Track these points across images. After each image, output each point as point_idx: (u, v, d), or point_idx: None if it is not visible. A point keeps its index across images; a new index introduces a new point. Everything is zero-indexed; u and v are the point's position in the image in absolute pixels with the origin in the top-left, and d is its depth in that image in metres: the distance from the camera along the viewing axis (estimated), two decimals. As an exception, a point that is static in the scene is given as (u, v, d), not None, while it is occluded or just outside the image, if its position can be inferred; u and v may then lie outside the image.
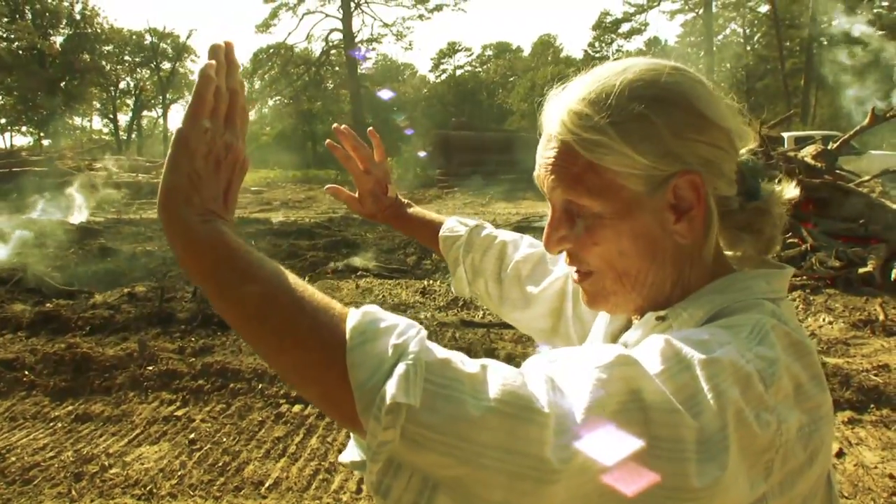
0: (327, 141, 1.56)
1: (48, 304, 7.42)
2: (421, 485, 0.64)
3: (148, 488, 3.73)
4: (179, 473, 3.90)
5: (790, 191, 0.95)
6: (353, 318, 0.70)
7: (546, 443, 0.63)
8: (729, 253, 0.97)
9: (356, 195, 1.57)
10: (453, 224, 1.54)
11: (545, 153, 0.91)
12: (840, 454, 3.96)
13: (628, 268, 0.89)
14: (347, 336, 0.68)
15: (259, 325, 0.74)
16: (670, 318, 0.89)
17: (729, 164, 0.89)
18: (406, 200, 1.63)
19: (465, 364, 0.68)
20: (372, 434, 0.63)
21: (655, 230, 0.87)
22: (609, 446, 0.65)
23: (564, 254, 0.95)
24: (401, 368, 0.64)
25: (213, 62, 0.85)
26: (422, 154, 34.09)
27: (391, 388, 0.63)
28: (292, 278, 0.76)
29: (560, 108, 0.89)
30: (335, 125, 1.51)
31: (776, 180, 0.95)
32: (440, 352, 0.69)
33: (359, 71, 50.34)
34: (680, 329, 0.85)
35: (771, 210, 0.93)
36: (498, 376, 0.67)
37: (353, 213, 1.81)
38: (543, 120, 0.93)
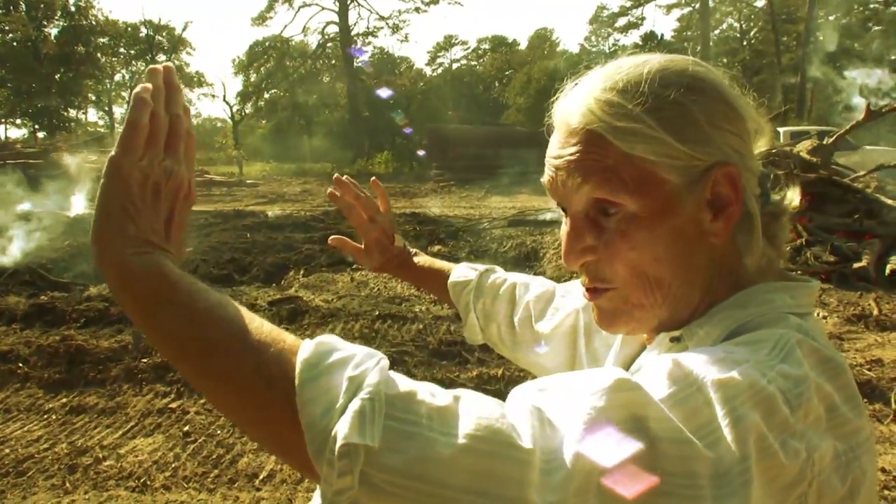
0: (329, 190, 1.47)
1: (42, 297, 7.39)
2: None
3: (142, 480, 3.73)
4: (174, 466, 3.89)
5: (795, 197, 0.89)
6: (304, 350, 0.65)
7: (529, 484, 0.56)
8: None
9: (362, 246, 1.51)
10: (463, 270, 1.47)
11: (563, 151, 0.81)
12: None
13: (662, 276, 0.80)
14: (297, 370, 0.62)
15: (199, 364, 0.68)
16: (685, 339, 0.81)
17: (753, 159, 0.83)
18: (413, 250, 1.56)
19: (435, 396, 0.62)
20: (326, 481, 0.57)
21: (692, 231, 0.79)
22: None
23: (582, 275, 0.86)
24: (355, 404, 0.58)
25: (149, 85, 0.80)
26: (420, 153, 34.10)
27: (343, 427, 0.57)
28: (237, 311, 0.70)
29: (583, 100, 0.81)
30: (336, 175, 1.46)
31: (779, 186, 0.89)
32: (405, 383, 0.63)
33: (355, 64, 50.22)
34: (695, 349, 0.77)
35: (781, 217, 0.87)
36: (472, 409, 0.61)
37: None
38: (558, 116, 0.84)
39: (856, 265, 7.80)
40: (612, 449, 0.58)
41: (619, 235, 0.79)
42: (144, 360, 5.28)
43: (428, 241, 10.95)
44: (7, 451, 4.08)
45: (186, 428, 4.35)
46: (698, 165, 0.78)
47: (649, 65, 0.81)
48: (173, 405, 4.72)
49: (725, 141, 0.79)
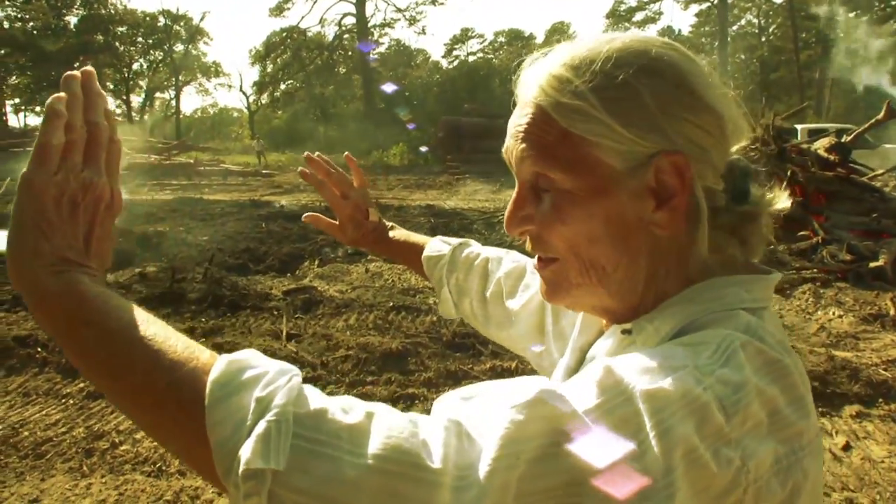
0: (300, 169, 1.47)
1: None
2: None
3: (157, 466, 3.77)
4: (189, 452, 3.93)
5: (782, 201, 0.84)
6: (216, 369, 0.63)
7: (438, 503, 0.56)
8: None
9: (337, 223, 1.50)
10: (437, 244, 1.47)
11: (517, 120, 0.82)
12: (847, 448, 3.96)
13: (597, 257, 0.79)
14: (207, 390, 0.61)
15: (113, 384, 0.67)
16: (635, 332, 0.80)
17: (719, 153, 0.79)
18: (390, 224, 1.55)
19: (348, 413, 0.61)
20: (233, 501, 0.57)
21: (632, 217, 0.77)
22: (525, 498, 0.57)
23: (528, 240, 0.86)
24: (261, 427, 0.57)
25: (63, 95, 0.76)
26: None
27: (246, 451, 0.56)
28: (152, 328, 0.69)
29: (539, 73, 0.80)
30: (306, 153, 1.45)
31: (767, 186, 0.84)
32: (317, 401, 0.61)
33: (370, 55, 50.22)
34: (643, 345, 0.77)
35: (758, 218, 0.82)
36: (383, 427, 0.60)
37: None
38: (518, 85, 0.84)
39: (872, 264, 7.73)
40: (528, 465, 0.57)
41: (552, 209, 0.79)
42: (161, 347, 5.31)
43: (442, 234, 10.95)
44: (26, 433, 4.14)
45: (202, 415, 4.38)
46: (641, 151, 0.75)
47: (614, 43, 0.78)
48: (189, 392, 4.76)
49: (679, 129, 0.75)
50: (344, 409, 0.61)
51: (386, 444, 0.58)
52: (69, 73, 0.79)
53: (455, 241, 1.47)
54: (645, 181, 0.76)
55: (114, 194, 0.82)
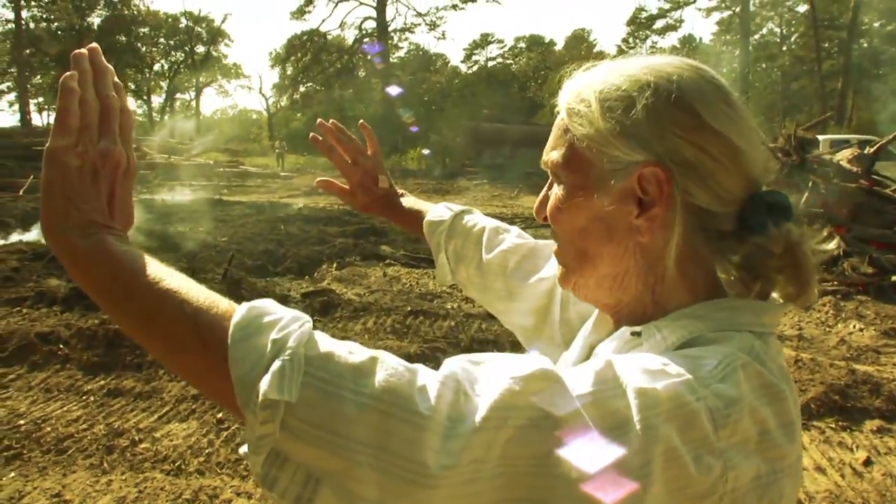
0: (311, 135, 1.51)
1: (82, 281, 7.53)
2: (305, 478, 0.64)
3: (177, 464, 3.81)
4: (207, 451, 3.97)
5: (817, 241, 0.83)
6: (238, 313, 0.70)
7: (424, 446, 0.61)
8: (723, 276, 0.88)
9: (348, 188, 1.53)
10: (439, 210, 1.48)
11: (555, 121, 0.91)
12: (868, 463, 3.93)
13: (586, 248, 0.87)
14: (230, 332, 0.68)
15: (145, 333, 0.75)
16: (644, 335, 0.82)
17: (726, 177, 0.80)
18: (401, 191, 1.57)
19: (353, 354, 0.67)
20: (251, 428, 0.64)
21: (616, 218, 0.83)
22: (507, 460, 0.62)
23: (552, 241, 0.96)
24: (276, 364, 0.64)
25: (75, 72, 0.84)
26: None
27: (264, 384, 0.63)
28: (176, 280, 0.76)
29: (574, 83, 0.89)
30: (319, 120, 1.49)
31: (801, 226, 0.82)
32: (325, 344, 0.68)
33: (390, 59, 50.38)
34: (649, 351, 0.79)
35: (780, 254, 0.81)
36: (385, 370, 0.66)
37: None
38: (560, 95, 0.92)
39: (894, 278, 7.66)
40: (516, 430, 0.62)
41: (554, 199, 0.89)
42: (180, 347, 5.35)
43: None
44: (48, 429, 4.19)
45: (220, 415, 4.42)
46: (626, 158, 0.81)
47: (643, 61, 0.85)
48: (208, 392, 4.79)
49: (667, 144, 0.79)
50: (350, 351, 0.68)
51: (384, 385, 0.64)
52: (77, 51, 0.86)
53: (458, 207, 1.49)
54: (628, 187, 0.81)
55: (130, 160, 0.89)
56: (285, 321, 0.69)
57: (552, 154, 0.89)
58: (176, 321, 0.72)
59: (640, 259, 0.84)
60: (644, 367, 0.69)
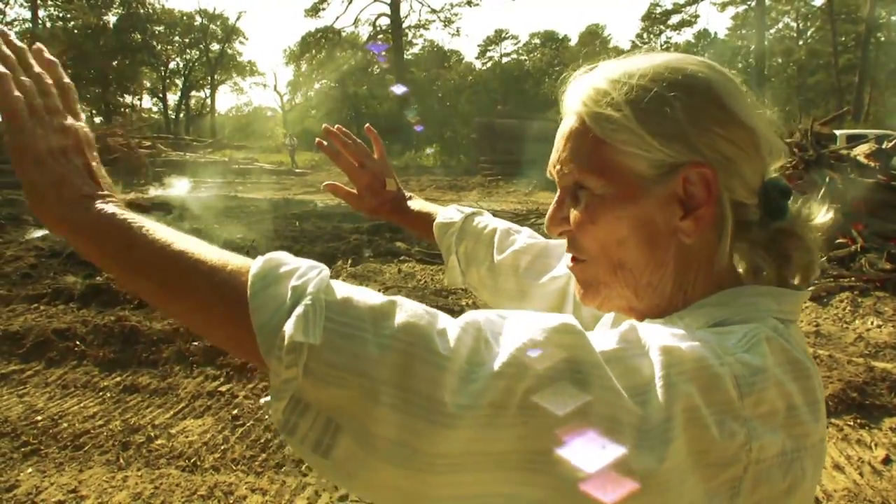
0: (317, 140, 1.52)
1: (98, 277, 7.58)
2: (325, 423, 0.64)
3: (192, 461, 3.82)
4: (223, 448, 3.98)
5: (821, 215, 0.85)
6: (255, 265, 0.71)
7: (443, 385, 0.61)
8: (741, 270, 0.89)
9: (355, 192, 1.53)
10: (449, 212, 1.48)
11: (561, 130, 0.88)
12: (887, 461, 3.88)
13: (625, 259, 0.83)
14: (249, 283, 0.69)
15: (163, 295, 0.75)
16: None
17: (751, 168, 0.81)
18: (409, 194, 1.57)
19: (371, 298, 0.68)
20: (275, 373, 0.64)
21: (659, 223, 0.81)
22: (527, 410, 0.61)
23: (565, 241, 0.91)
24: (299, 309, 0.64)
25: None
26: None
27: (289, 328, 0.63)
28: (185, 241, 0.76)
29: (582, 86, 0.86)
30: (325, 125, 1.49)
31: (806, 203, 0.86)
32: (344, 290, 0.68)
33: (405, 56, 50.39)
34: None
35: (799, 233, 0.84)
36: (404, 312, 0.66)
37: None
38: (565, 98, 0.89)
39: (913, 274, 7.57)
40: (538, 379, 0.62)
41: (585, 213, 0.84)
42: (195, 343, 5.39)
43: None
44: (65, 425, 4.22)
45: (235, 412, 4.44)
46: (669, 161, 0.79)
47: (652, 60, 0.83)
48: (223, 388, 4.82)
49: (708, 142, 0.79)
50: (369, 296, 0.68)
51: (404, 325, 0.65)
52: None
53: (468, 209, 1.49)
54: (672, 190, 0.80)
55: (85, 130, 0.89)
56: (303, 269, 0.70)
57: (572, 165, 0.84)
58: (191, 280, 0.73)
59: (680, 262, 0.83)
60: (670, 332, 0.70)
